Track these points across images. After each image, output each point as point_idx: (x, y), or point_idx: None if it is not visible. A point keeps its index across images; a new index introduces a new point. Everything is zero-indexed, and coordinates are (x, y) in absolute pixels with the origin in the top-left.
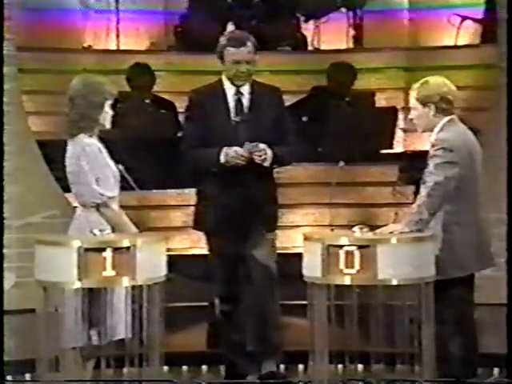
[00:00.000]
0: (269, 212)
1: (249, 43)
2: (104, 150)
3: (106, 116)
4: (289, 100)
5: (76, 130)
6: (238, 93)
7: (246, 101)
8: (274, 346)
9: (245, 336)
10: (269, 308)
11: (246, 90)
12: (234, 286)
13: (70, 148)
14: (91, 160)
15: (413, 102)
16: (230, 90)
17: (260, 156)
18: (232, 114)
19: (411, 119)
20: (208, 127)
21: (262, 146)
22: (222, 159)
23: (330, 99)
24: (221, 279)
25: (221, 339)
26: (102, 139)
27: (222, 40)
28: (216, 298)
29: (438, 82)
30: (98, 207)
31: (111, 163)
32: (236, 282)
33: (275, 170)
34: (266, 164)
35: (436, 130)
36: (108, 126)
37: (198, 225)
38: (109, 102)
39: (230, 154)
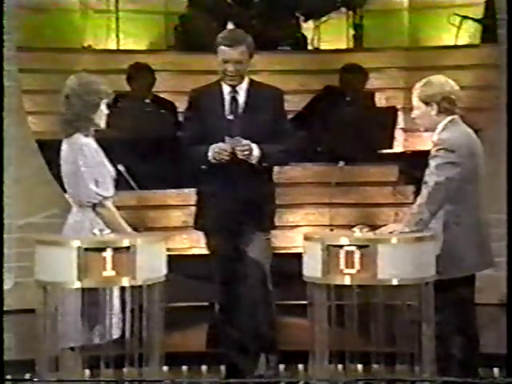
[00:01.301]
0: (263, 212)
1: (242, 44)
2: (100, 150)
3: (102, 115)
4: (289, 100)
5: (71, 129)
6: (234, 91)
7: (241, 99)
8: (267, 345)
9: (242, 334)
10: (261, 308)
11: (242, 88)
12: (230, 285)
13: (65, 147)
14: (88, 160)
15: (415, 100)
16: (226, 89)
17: (242, 151)
18: (226, 113)
19: (413, 118)
20: (204, 125)
21: (244, 141)
22: (210, 156)
23: (333, 100)
24: (217, 278)
25: (219, 338)
26: (101, 139)
27: (218, 37)
28: (214, 297)
29: (442, 82)
30: (94, 207)
31: (107, 163)
32: (231, 281)
33: (275, 170)
34: (253, 161)
35: (438, 129)
36: (103, 125)
37: (196, 224)
38: (104, 102)
39: (215, 149)
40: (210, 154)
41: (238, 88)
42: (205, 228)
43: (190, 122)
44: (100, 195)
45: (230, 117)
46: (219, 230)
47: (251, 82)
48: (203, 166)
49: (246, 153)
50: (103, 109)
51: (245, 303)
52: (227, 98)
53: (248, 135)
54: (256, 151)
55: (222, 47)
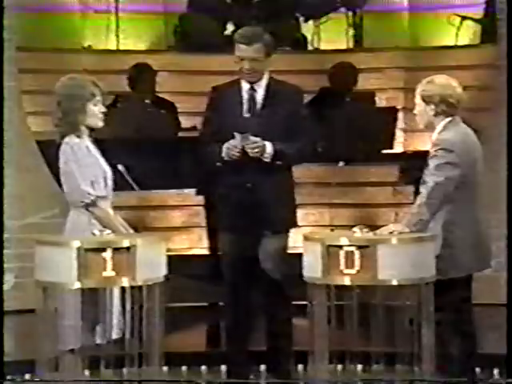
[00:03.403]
0: (280, 211)
1: (259, 41)
2: (94, 150)
3: (94, 115)
4: None
5: (62, 132)
6: (252, 89)
7: (259, 97)
8: (287, 344)
9: (249, 336)
10: (277, 309)
11: (261, 86)
12: (243, 286)
13: (61, 149)
14: (79, 159)
15: (417, 97)
16: (244, 87)
17: (252, 149)
18: (244, 111)
19: (415, 114)
20: (222, 124)
21: (253, 138)
22: (223, 153)
23: (331, 100)
24: (231, 279)
25: (226, 339)
26: (101, 139)
27: (236, 34)
28: (224, 297)
29: (443, 84)
30: (87, 207)
31: (102, 163)
32: (244, 283)
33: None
34: (266, 159)
35: (437, 129)
36: (99, 124)
37: (212, 224)
38: (92, 102)
39: (227, 146)
40: (223, 151)
41: (256, 86)
42: (218, 228)
43: (209, 121)
44: (91, 195)
45: (247, 115)
46: (231, 230)
47: (270, 79)
48: (218, 164)
49: (256, 150)
50: (94, 109)
51: (258, 305)
52: (245, 96)
53: (264, 133)
54: (269, 149)
55: (239, 44)
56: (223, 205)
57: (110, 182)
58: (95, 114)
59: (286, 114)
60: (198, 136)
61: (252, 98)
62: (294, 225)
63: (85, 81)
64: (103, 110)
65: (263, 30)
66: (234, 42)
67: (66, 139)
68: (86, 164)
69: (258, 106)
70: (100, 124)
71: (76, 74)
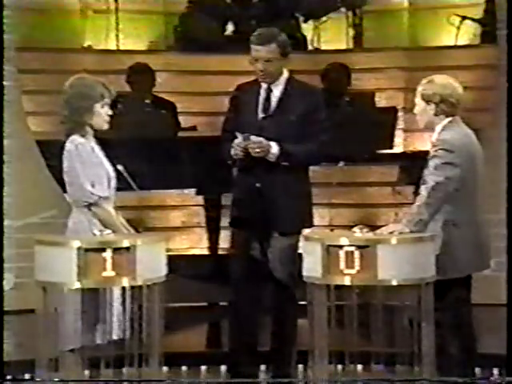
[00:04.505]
0: (285, 213)
1: (273, 42)
2: (98, 150)
3: (100, 117)
4: None
5: (67, 131)
6: (269, 89)
7: (274, 98)
8: (291, 345)
9: (252, 335)
10: (284, 309)
11: (278, 87)
12: (250, 286)
13: (65, 148)
14: (83, 159)
15: (417, 97)
16: (263, 86)
17: (253, 149)
18: (259, 111)
19: (415, 114)
20: (238, 122)
21: (255, 138)
22: (232, 152)
23: (328, 100)
24: (236, 278)
25: (229, 338)
26: (101, 139)
27: (251, 36)
28: (230, 296)
29: (444, 83)
30: (89, 207)
31: (106, 163)
32: (252, 282)
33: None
34: (272, 159)
35: (437, 130)
36: (104, 126)
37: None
38: (100, 104)
39: (233, 145)
40: (231, 150)
41: (273, 86)
42: (231, 225)
43: (228, 120)
44: (94, 195)
45: (262, 115)
46: (241, 229)
47: (289, 80)
48: (229, 162)
49: (258, 150)
50: (101, 111)
51: (266, 305)
52: (262, 95)
53: (277, 134)
54: (274, 149)
55: (253, 45)
56: (233, 204)
57: (113, 183)
58: (101, 115)
59: (300, 114)
60: (221, 135)
61: (268, 98)
62: (308, 226)
63: (94, 81)
64: (110, 112)
65: (278, 31)
66: (250, 46)
67: (71, 138)
68: (90, 164)
69: (273, 106)
70: (105, 126)
71: (86, 74)
